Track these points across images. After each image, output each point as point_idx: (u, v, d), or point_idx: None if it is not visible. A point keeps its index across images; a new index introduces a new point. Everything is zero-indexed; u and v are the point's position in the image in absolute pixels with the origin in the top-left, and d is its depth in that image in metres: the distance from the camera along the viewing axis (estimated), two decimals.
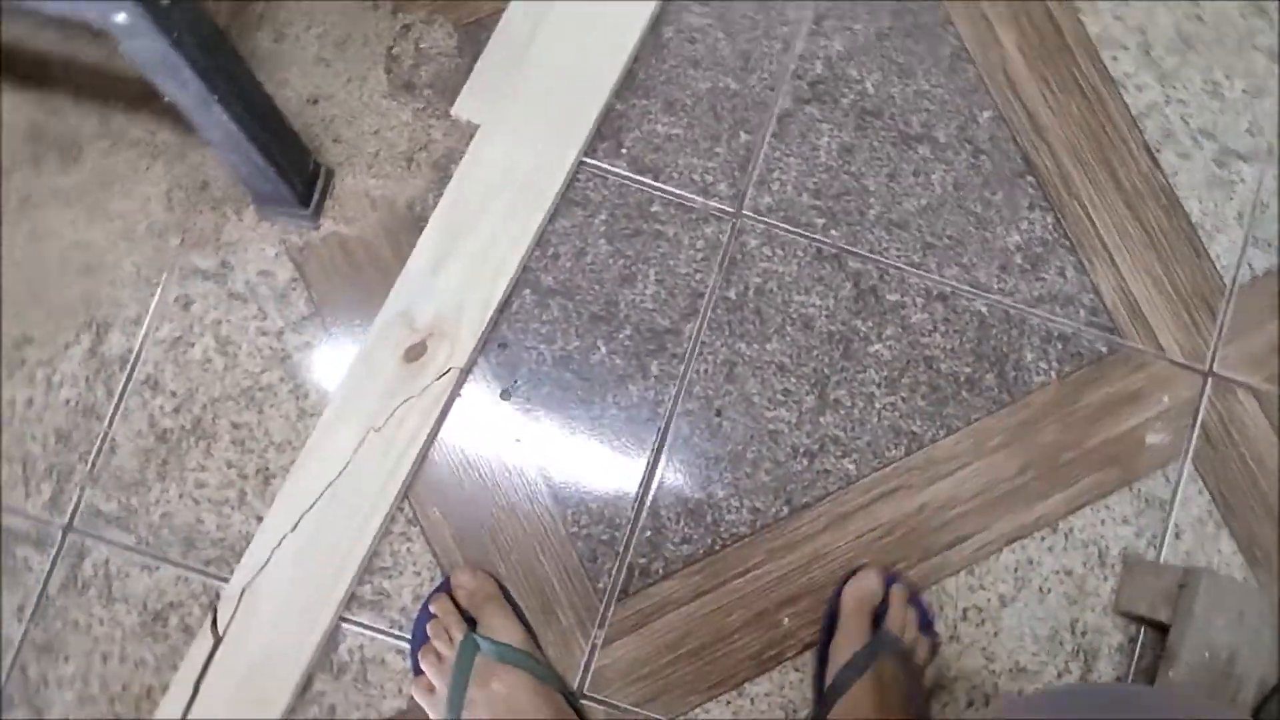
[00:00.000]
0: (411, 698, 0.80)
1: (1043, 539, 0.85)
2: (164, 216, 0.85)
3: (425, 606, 0.81)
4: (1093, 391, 0.87)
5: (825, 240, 0.88)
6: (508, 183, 0.86)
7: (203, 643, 0.80)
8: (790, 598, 0.84)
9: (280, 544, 0.81)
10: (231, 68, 0.67)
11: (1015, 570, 0.85)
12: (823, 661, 0.82)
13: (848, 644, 0.80)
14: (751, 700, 0.83)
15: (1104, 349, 0.87)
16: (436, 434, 0.84)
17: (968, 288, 0.88)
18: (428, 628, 0.80)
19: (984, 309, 0.87)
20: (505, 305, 0.86)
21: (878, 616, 0.82)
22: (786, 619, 0.84)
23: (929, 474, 0.86)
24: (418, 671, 0.80)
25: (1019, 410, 0.86)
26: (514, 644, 0.79)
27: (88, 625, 0.81)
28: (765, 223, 0.88)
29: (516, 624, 0.81)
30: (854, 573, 0.83)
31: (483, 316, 0.84)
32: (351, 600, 0.82)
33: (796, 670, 0.83)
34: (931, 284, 0.88)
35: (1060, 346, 0.87)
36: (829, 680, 0.79)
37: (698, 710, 0.82)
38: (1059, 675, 0.84)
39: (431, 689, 0.79)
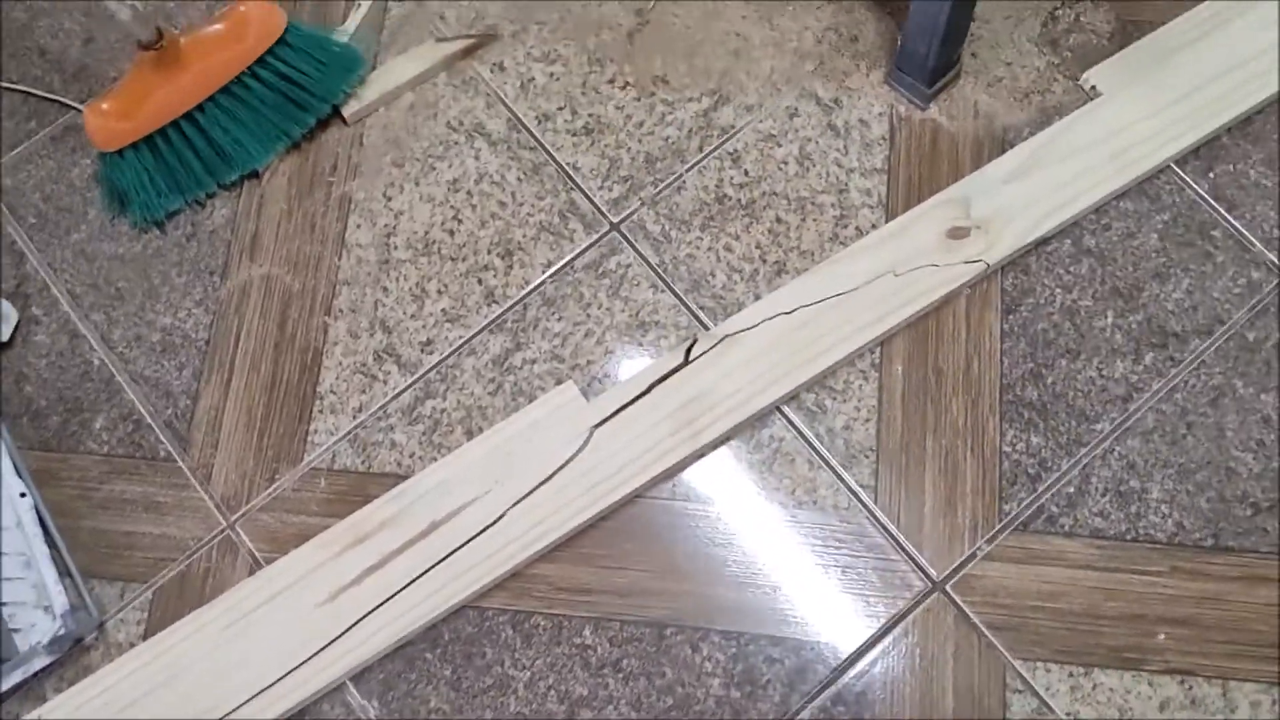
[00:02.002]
0: None
1: None
2: (812, 46, 1.01)
3: None
4: None
5: None
6: (1102, 146, 0.94)
7: (670, 360, 0.91)
8: (1173, 619, 0.84)
9: (772, 319, 0.91)
10: None
11: None
12: None
13: None
14: (1094, 686, 0.83)
15: None
16: (939, 307, 0.92)
17: None
18: None
19: None
20: (1046, 240, 0.93)
21: None
22: (1163, 635, 0.83)
23: None
24: None
25: None
26: None
27: (589, 303, 0.95)
28: None
29: None
30: None
31: (1026, 237, 0.92)
32: (794, 398, 0.91)
33: (1149, 685, 0.82)
34: None
35: None
36: None
37: (1038, 664, 0.83)
38: None
39: None
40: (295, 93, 0.94)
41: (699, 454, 0.89)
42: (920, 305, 0.91)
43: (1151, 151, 0.94)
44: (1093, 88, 0.97)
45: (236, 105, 0.93)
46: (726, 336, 0.91)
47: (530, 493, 0.88)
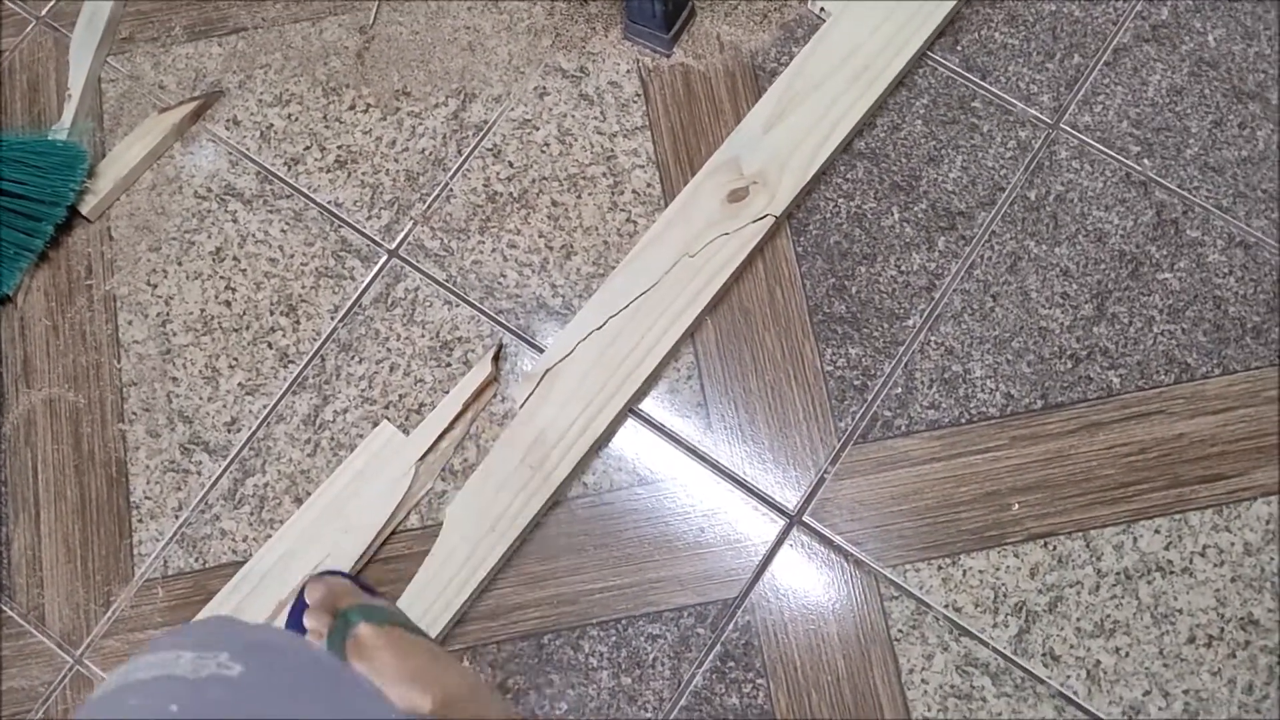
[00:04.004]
0: None
1: None
2: (544, 20, 0.98)
3: (297, 613, 0.81)
4: None
5: (1136, 167, 0.91)
6: (848, 64, 0.93)
7: (480, 373, 0.89)
8: (1024, 487, 0.84)
9: (585, 339, 0.89)
10: None
11: (1268, 523, 0.82)
12: None
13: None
14: (964, 572, 0.83)
15: None
16: (743, 271, 0.90)
17: (1274, 243, 0.88)
18: (303, 618, 0.78)
19: None
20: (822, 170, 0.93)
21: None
22: (1017, 505, 0.84)
23: (1194, 407, 0.85)
24: None
25: None
26: (384, 605, 0.78)
27: (386, 337, 0.92)
28: (1080, 139, 0.92)
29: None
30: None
31: (801, 178, 0.91)
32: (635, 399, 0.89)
33: (1015, 556, 0.83)
34: (1236, 230, 0.89)
35: None
36: None
37: (908, 566, 0.83)
38: None
39: None
40: (19, 204, 0.89)
41: (556, 496, 0.87)
42: (724, 278, 0.89)
43: (890, 60, 0.94)
44: (821, 9, 0.97)
45: None
46: (547, 371, 0.89)
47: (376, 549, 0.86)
